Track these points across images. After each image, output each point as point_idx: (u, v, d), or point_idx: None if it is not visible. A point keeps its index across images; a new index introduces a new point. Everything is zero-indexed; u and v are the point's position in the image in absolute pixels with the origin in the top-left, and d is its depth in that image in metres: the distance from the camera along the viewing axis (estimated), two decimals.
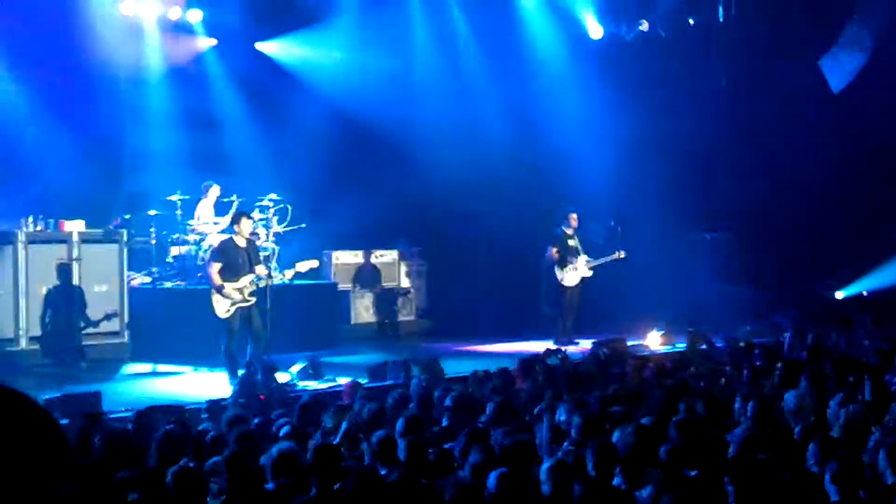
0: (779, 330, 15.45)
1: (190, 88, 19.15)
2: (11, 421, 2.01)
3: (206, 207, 16.61)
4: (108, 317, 15.24)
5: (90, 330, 15.09)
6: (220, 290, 12.93)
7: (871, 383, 9.07)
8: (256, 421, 8.52)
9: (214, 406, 9.73)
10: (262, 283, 13.07)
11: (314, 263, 14.01)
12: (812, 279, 18.74)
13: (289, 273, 13.60)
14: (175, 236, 16.55)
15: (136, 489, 6.42)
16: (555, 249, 17.13)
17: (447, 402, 8.97)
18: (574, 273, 17.12)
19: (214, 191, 16.67)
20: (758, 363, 10.92)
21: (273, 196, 16.74)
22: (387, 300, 19.20)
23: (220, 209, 16.64)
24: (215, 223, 16.34)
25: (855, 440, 6.97)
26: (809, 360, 10.89)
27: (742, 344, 13.01)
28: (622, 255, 17.31)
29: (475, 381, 10.79)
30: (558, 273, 17.12)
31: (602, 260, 17.27)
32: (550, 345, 15.10)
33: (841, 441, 6.89)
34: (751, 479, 6.03)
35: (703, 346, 13.69)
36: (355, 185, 19.86)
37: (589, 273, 17.18)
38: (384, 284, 19.22)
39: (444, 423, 8.61)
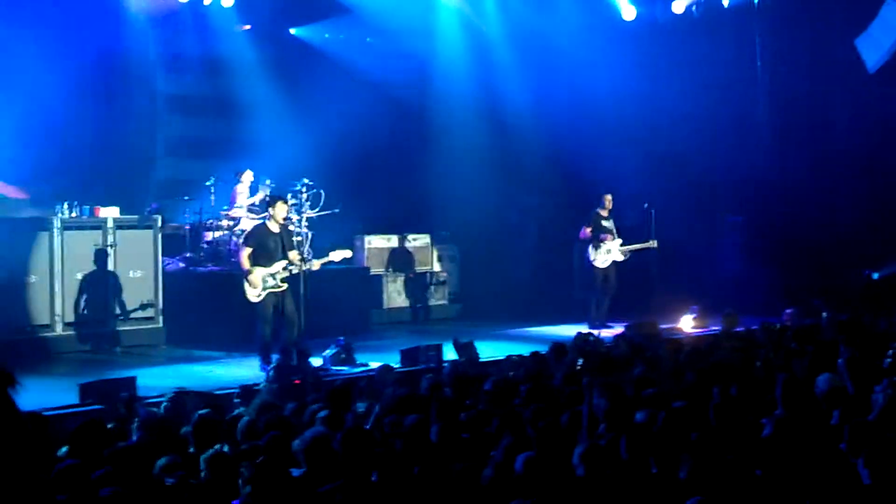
0: (816, 312, 15.32)
1: (223, 74, 19.25)
2: None
3: (240, 193, 16.71)
4: (142, 302, 15.34)
5: (125, 315, 15.20)
6: (247, 274, 12.97)
7: None
8: (291, 406, 8.55)
9: (247, 391, 9.77)
10: (294, 270, 13.08)
11: (347, 253, 14.02)
12: (848, 260, 18.56)
13: (316, 263, 13.51)
14: (209, 221, 16.64)
15: (174, 474, 6.48)
16: (588, 229, 17.05)
17: (486, 386, 8.98)
18: (607, 255, 17.04)
19: (248, 176, 16.77)
20: (793, 345, 10.85)
21: (306, 181, 16.77)
22: (419, 284, 19.20)
23: (254, 194, 16.72)
24: (250, 208, 16.41)
25: (892, 423, 6.91)
26: (844, 341, 10.78)
27: (778, 326, 12.92)
28: (654, 244, 17.24)
29: (509, 365, 10.79)
30: (591, 254, 17.04)
31: (634, 246, 17.18)
32: (584, 329, 15.08)
33: (877, 424, 6.82)
34: (783, 461, 6.00)
35: (739, 329, 13.60)
36: (387, 169, 19.91)
37: (621, 257, 17.10)
38: (417, 269, 19.22)
39: (478, 407, 8.60)
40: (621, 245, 17.12)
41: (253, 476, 6.26)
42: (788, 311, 15.56)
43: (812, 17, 19.29)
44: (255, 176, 16.82)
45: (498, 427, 7.46)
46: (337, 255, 13.67)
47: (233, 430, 7.71)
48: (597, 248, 17.02)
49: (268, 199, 14.34)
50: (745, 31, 20.20)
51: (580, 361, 10.70)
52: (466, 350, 11.55)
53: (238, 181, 16.79)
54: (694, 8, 20.47)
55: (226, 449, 7.17)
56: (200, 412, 7.91)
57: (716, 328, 14.72)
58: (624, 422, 7.11)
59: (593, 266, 17.05)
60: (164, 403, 8.86)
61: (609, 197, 17.19)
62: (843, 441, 6.47)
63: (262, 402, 8.40)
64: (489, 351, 12.74)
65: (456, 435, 7.18)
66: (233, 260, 15.65)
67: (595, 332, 14.31)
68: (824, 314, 14.20)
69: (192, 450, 7.38)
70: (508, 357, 11.14)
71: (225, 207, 16.56)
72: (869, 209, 18.40)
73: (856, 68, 18.88)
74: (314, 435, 6.67)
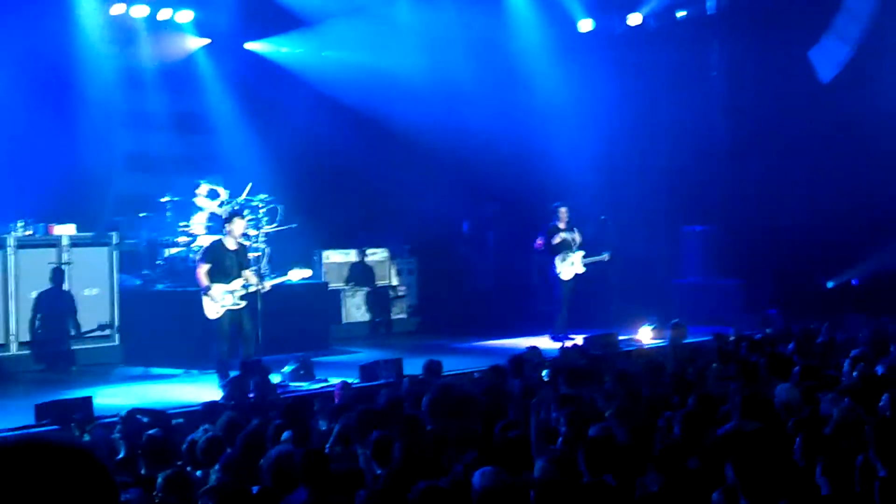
0: (770, 322, 15.44)
1: (180, 89, 19.15)
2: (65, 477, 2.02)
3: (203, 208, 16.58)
4: (98, 320, 15.20)
5: (81, 334, 15.05)
6: (207, 291, 12.89)
7: (861, 374, 9.09)
8: (254, 423, 8.51)
9: (210, 409, 9.69)
10: (251, 290, 13.01)
11: (306, 273, 14.01)
12: (803, 270, 18.74)
13: (268, 284, 13.42)
14: (166, 238, 16.51)
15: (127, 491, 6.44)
16: (540, 240, 17.08)
17: (440, 400, 8.95)
18: (570, 268, 17.07)
19: (203, 189, 16.64)
20: (752, 357, 10.91)
21: (263, 196, 16.69)
22: (378, 299, 19.18)
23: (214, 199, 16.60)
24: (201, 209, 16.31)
25: (847, 433, 6.97)
26: (798, 352, 10.89)
27: (732, 337, 12.98)
28: (606, 257, 17.31)
29: (467, 380, 10.78)
30: (558, 266, 17.00)
31: (591, 259, 17.22)
32: (546, 340, 15.12)
33: (831, 435, 6.88)
34: (742, 472, 6.02)
35: (690, 340, 13.61)
36: (345, 183, 19.88)
37: (582, 269, 17.14)
38: (376, 283, 19.18)
39: (439, 422, 8.58)
40: (583, 257, 17.16)
41: (214, 495, 6.24)
42: (759, 320, 15.57)
43: (766, 29, 19.51)
44: (210, 191, 16.70)
45: (459, 442, 7.46)
46: (296, 275, 13.64)
47: (192, 449, 7.67)
48: (563, 260, 17.02)
49: (225, 215, 14.24)
50: (701, 42, 20.41)
51: (545, 374, 10.73)
52: (428, 367, 11.50)
53: (195, 195, 16.64)
54: (650, 20, 20.64)
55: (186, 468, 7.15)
56: (149, 432, 7.87)
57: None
58: (581, 435, 7.12)
59: (559, 278, 17.04)
60: (118, 422, 8.78)
61: (564, 209, 17.19)
62: (796, 450, 6.51)
63: (225, 421, 8.32)
64: (449, 364, 12.71)
65: (417, 451, 7.17)
66: (190, 277, 15.54)
67: (559, 343, 14.37)
68: (777, 325, 14.33)
69: (146, 472, 7.35)
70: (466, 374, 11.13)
71: (183, 223, 16.41)
72: (824, 218, 18.59)
73: (809, 79, 19.12)
74: (279, 453, 6.65)
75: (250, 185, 16.52)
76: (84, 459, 2.04)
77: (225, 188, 16.45)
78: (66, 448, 2.04)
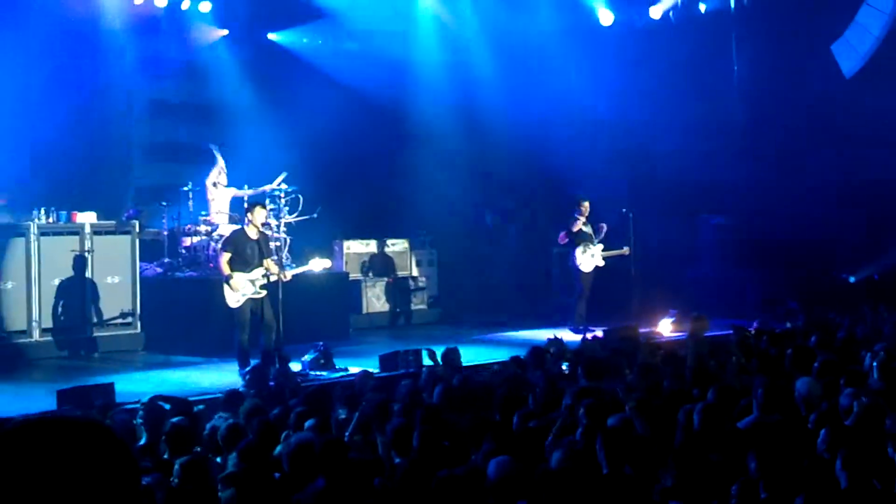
0: (792, 316, 15.38)
1: (201, 79, 19.21)
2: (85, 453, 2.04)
3: (212, 200, 16.64)
4: (120, 308, 15.27)
5: (103, 321, 15.13)
6: (228, 280, 12.93)
7: (883, 369, 9.05)
8: (275, 412, 8.55)
9: (232, 396, 9.73)
10: (272, 279, 13.05)
11: (326, 263, 14.02)
12: (826, 263, 18.66)
13: (289, 274, 13.47)
14: (187, 227, 16.58)
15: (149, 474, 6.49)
16: (564, 233, 17.10)
17: (460, 391, 8.99)
18: (591, 260, 17.07)
19: (222, 178, 16.70)
20: (771, 350, 10.89)
21: (284, 185, 16.73)
22: (398, 289, 19.19)
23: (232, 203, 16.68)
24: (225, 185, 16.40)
25: (868, 428, 6.95)
26: (820, 346, 10.84)
27: (752, 330, 12.93)
28: (626, 251, 17.29)
29: (488, 371, 10.79)
30: (577, 258, 17.03)
31: (610, 252, 17.22)
32: (565, 332, 15.09)
33: (853, 429, 6.86)
34: (763, 464, 6.03)
35: (709, 333, 13.53)
36: (366, 174, 19.91)
37: (602, 262, 17.13)
38: (396, 273, 19.20)
39: (455, 412, 8.60)
40: (602, 250, 17.16)
41: (236, 480, 6.27)
42: (778, 314, 15.46)
43: (789, 23, 19.40)
44: (232, 181, 16.76)
45: (478, 432, 7.47)
46: (316, 265, 13.65)
47: (213, 436, 7.72)
48: (584, 252, 17.03)
49: (246, 204, 14.28)
50: (722, 36, 20.32)
51: (565, 366, 10.73)
52: (447, 356, 11.51)
53: (215, 184, 16.68)
54: (671, 13, 20.59)
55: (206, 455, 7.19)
56: (174, 420, 7.91)
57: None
58: (600, 426, 7.13)
59: (579, 270, 17.06)
60: (139, 410, 8.82)
61: (586, 203, 17.19)
62: (818, 444, 6.50)
63: (247, 408, 8.36)
64: (469, 355, 12.73)
65: (437, 440, 7.19)
66: (211, 265, 15.63)
67: (579, 335, 14.35)
68: (799, 319, 14.26)
69: (168, 457, 7.40)
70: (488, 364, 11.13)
71: (203, 213, 16.50)
72: (846, 212, 18.51)
73: (832, 73, 19.01)
74: (298, 441, 6.68)
75: (284, 174, 16.56)
76: (105, 435, 2.06)
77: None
78: (87, 424, 2.05)
